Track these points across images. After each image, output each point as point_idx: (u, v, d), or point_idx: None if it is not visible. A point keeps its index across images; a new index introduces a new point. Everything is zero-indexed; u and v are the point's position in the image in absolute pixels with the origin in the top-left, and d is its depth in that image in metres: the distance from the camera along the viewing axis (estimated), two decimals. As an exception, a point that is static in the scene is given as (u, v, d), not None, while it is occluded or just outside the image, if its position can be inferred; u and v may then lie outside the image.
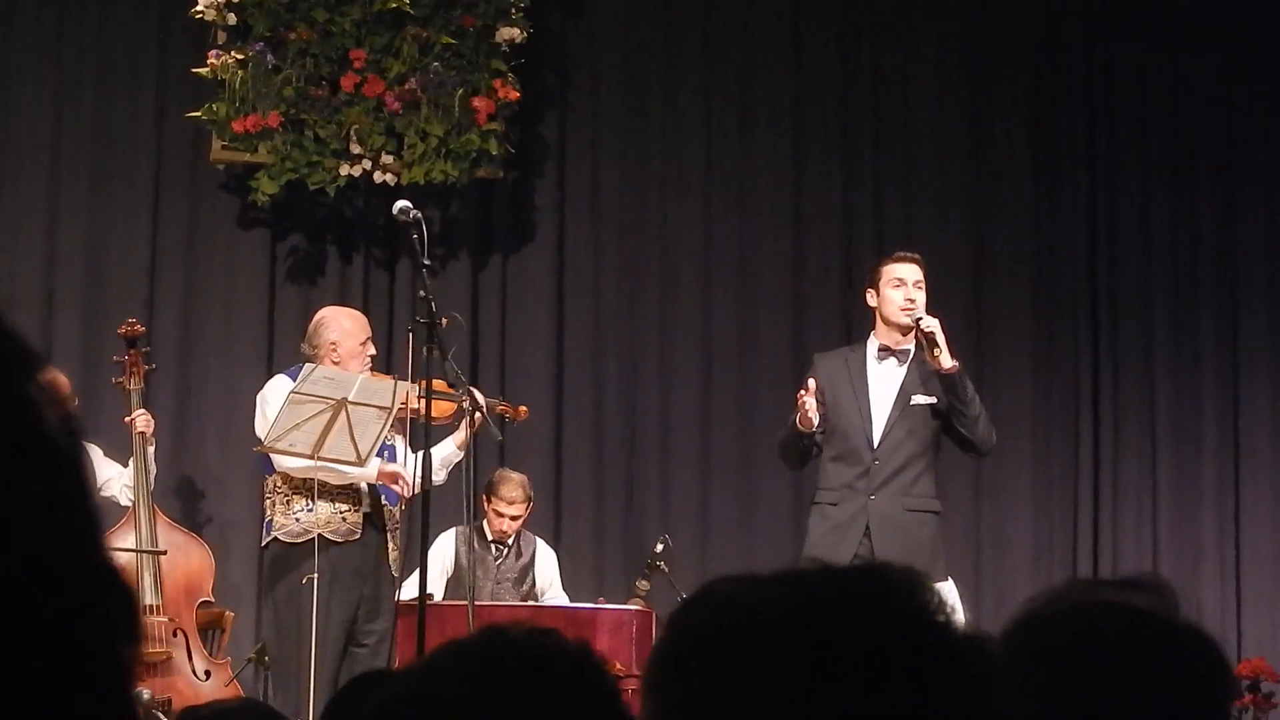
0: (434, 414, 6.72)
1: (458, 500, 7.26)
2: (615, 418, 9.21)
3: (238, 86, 8.66)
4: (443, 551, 7.88)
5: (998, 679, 1.32)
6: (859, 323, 8.01)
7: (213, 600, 7.93)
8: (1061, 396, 9.29)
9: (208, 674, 7.68)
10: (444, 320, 6.58)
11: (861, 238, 9.30)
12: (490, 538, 8.02)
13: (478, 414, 7.14)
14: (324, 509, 7.13)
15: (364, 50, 8.74)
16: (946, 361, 6.87)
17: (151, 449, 7.82)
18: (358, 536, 7.21)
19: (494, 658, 1.65)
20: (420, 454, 6.72)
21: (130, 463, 7.73)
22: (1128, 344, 9.30)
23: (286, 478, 7.19)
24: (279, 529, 7.19)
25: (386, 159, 8.77)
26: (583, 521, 9.11)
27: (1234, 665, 4.33)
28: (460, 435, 7.32)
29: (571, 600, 8.01)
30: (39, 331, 8.69)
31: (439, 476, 7.16)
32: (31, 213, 9.00)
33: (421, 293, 6.56)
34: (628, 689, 5.21)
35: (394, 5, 8.67)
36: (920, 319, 6.90)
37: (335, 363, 7.26)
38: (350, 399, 6.91)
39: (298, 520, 7.16)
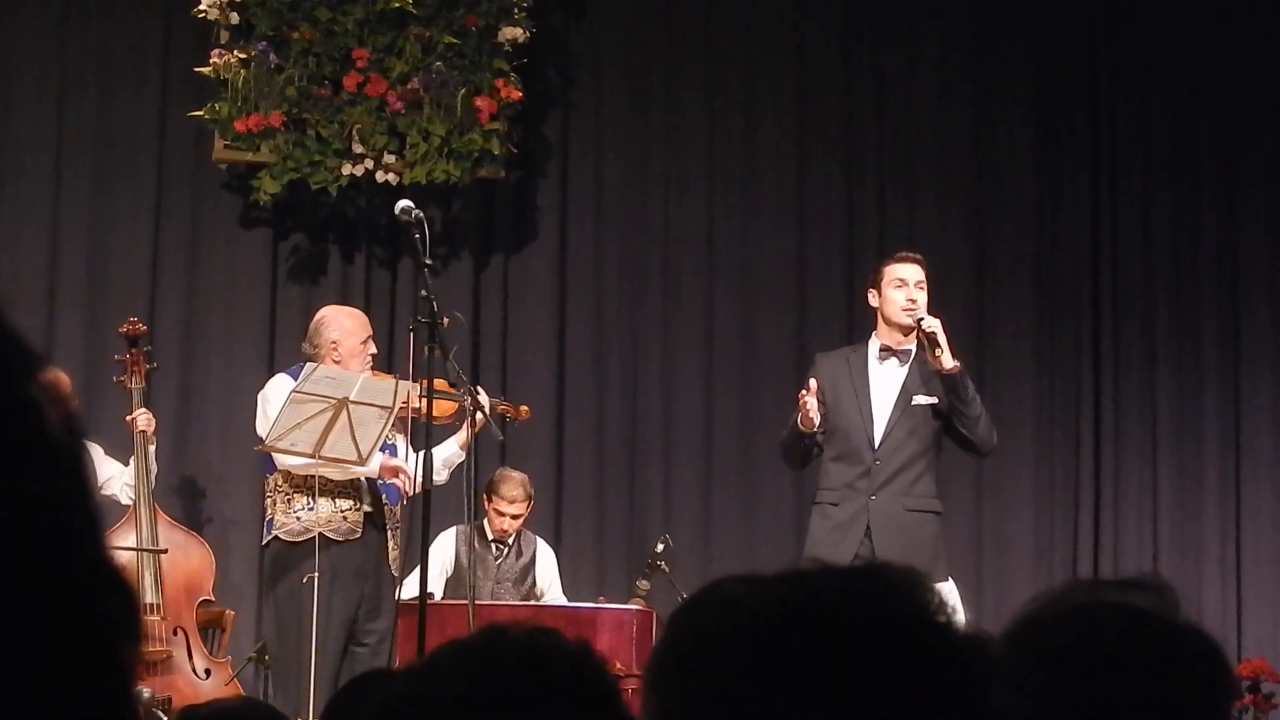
0: (435, 413, 6.72)
1: (458, 499, 7.26)
2: (616, 417, 9.21)
3: (240, 86, 8.66)
4: (443, 550, 7.87)
5: (998, 679, 1.32)
6: (861, 323, 8.01)
7: (213, 599, 7.94)
8: (1063, 396, 9.29)
9: (208, 673, 7.68)
10: (445, 320, 6.58)
11: (863, 238, 9.30)
12: (491, 537, 8.02)
13: (479, 414, 7.15)
14: (325, 507, 7.13)
15: (366, 50, 8.74)
16: (948, 362, 6.87)
17: (152, 448, 7.82)
18: (358, 535, 7.21)
19: (494, 657, 1.65)
20: (421, 453, 6.72)
21: (131, 461, 7.73)
22: (1129, 344, 9.30)
23: (287, 476, 7.19)
24: (280, 527, 7.19)
25: (389, 158, 8.77)
26: (584, 521, 9.11)
27: (1234, 665, 4.34)
28: (462, 435, 7.32)
29: (572, 600, 8.01)
30: (41, 330, 8.69)
31: (440, 476, 7.16)
32: (33, 211, 9.00)
33: (423, 292, 6.56)
34: (628, 689, 5.21)
35: (396, 5, 8.67)
36: (922, 319, 6.90)
37: (336, 362, 7.26)
38: (351, 398, 6.91)
39: (298, 519, 7.16)
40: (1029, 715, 1.34)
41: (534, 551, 8.14)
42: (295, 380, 7.09)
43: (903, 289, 6.97)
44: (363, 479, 7.23)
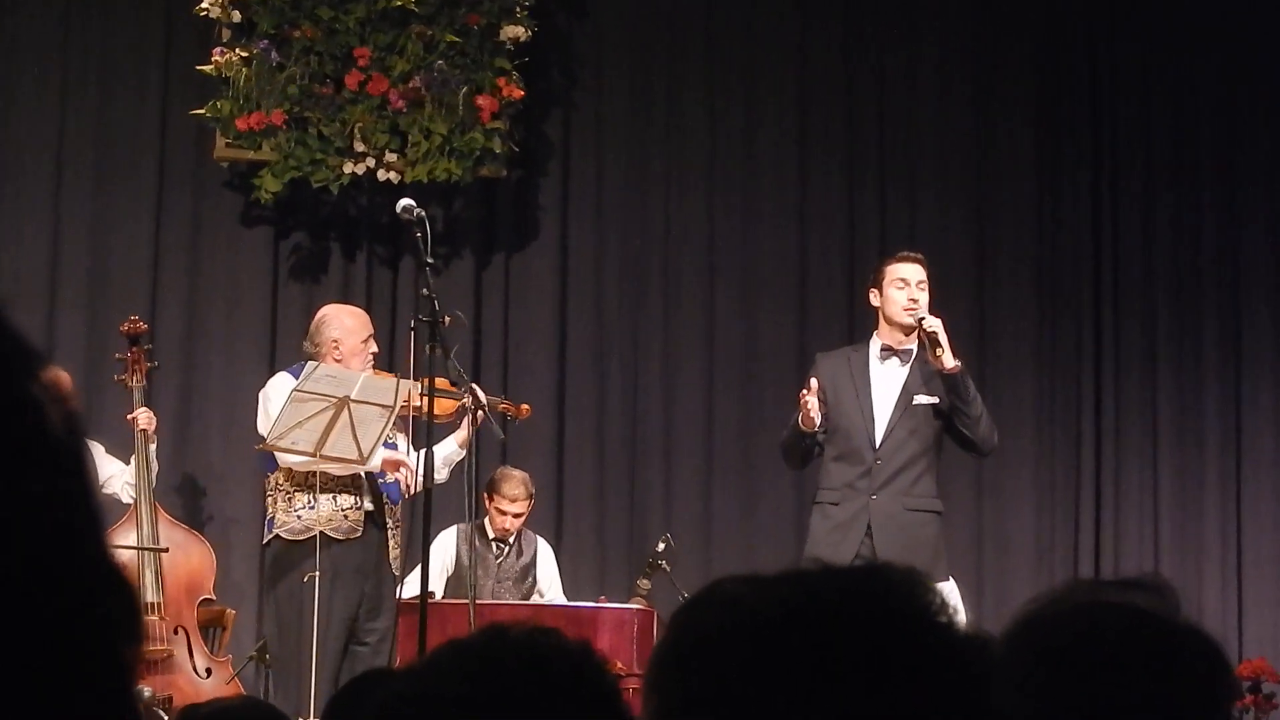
0: (436, 412, 6.72)
1: (459, 499, 7.26)
2: (617, 416, 9.21)
3: (242, 84, 8.66)
4: (443, 549, 7.87)
5: (999, 679, 1.32)
6: (861, 322, 8.01)
7: (214, 598, 7.94)
8: (1063, 396, 9.30)
9: (209, 672, 7.68)
10: (446, 318, 6.58)
11: (864, 238, 9.30)
12: (492, 536, 8.02)
13: (480, 412, 7.15)
14: (326, 506, 7.13)
15: (368, 48, 8.74)
16: (949, 361, 6.87)
17: (153, 446, 7.82)
18: (359, 534, 7.21)
19: (495, 657, 1.65)
20: (422, 452, 6.72)
21: (132, 460, 7.73)
22: (1130, 344, 9.30)
23: (289, 475, 7.18)
24: (280, 526, 7.19)
25: (390, 157, 8.77)
26: (584, 520, 9.11)
27: (1235, 666, 4.34)
28: (462, 434, 7.32)
29: (572, 599, 8.01)
30: (42, 328, 8.68)
31: (441, 475, 7.16)
32: (35, 210, 9.01)
33: (424, 291, 6.56)
34: (629, 688, 5.21)
35: (399, 3, 8.67)
36: (923, 319, 6.90)
37: (337, 360, 7.26)
38: (352, 397, 6.91)
39: (299, 517, 7.16)
40: (1029, 715, 1.34)
41: (535, 551, 8.14)
42: (296, 379, 7.09)
43: (904, 289, 6.97)
44: (364, 477, 7.23)
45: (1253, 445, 9.19)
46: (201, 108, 8.75)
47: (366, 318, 7.66)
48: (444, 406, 7.06)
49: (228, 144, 8.81)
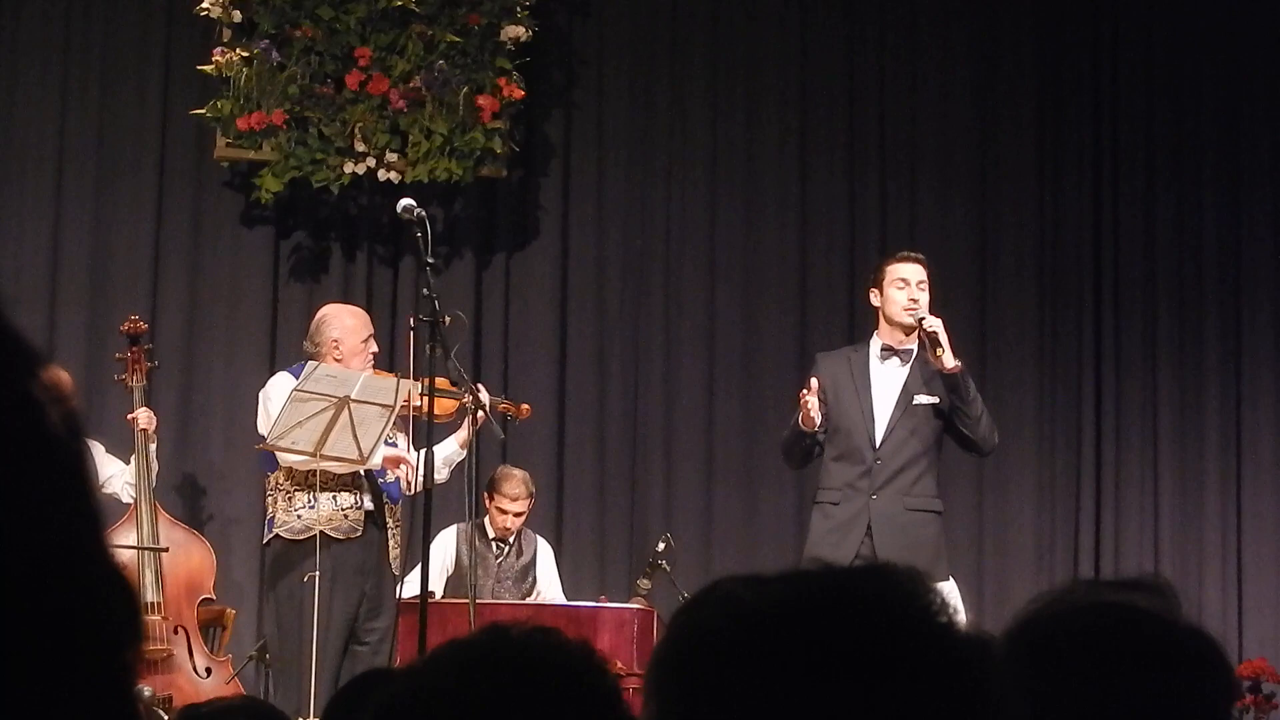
0: (436, 412, 6.71)
1: (459, 498, 7.26)
2: (618, 416, 9.21)
3: (242, 84, 8.66)
4: (443, 548, 7.87)
5: (999, 679, 1.32)
6: (862, 322, 8.02)
7: (214, 598, 7.94)
8: (1064, 396, 9.30)
9: (209, 671, 7.68)
10: (447, 318, 6.57)
11: (865, 237, 9.30)
12: (492, 535, 8.02)
13: (480, 412, 7.15)
14: (326, 506, 7.13)
15: (369, 48, 8.74)
16: (949, 361, 6.87)
17: (153, 446, 7.82)
18: (359, 534, 7.21)
19: (495, 657, 1.65)
20: (423, 452, 6.72)
21: (132, 460, 7.73)
22: (1131, 343, 9.30)
23: (289, 474, 7.19)
24: (280, 525, 7.19)
25: (391, 157, 8.77)
26: (585, 520, 9.11)
27: (1235, 666, 4.34)
28: (462, 433, 7.32)
29: (573, 599, 8.01)
30: (42, 328, 8.68)
31: (441, 475, 7.16)
32: (36, 209, 9.01)
33: (425, 291, 6.56)
34: (629, 688, 5.21)
35: (399, 3, 8.67)
36: (923, 319, 6.90)
37: (337, 360, 7.26)
38: (353, 397, 6.91)
39: (299, 517, 7.16)
40: (1029, 715, 1.34)
41: (534, 551, 8.14)
42: (296, 378, 7.09)
43: (904, 289, 6.97)
44: (364, 476, 7.23)
45: (1253, 445, 9.19)
46: (202, 107, 8.75)
47: (367, 317, 7.66)
48: (444, 406, 7.06)
49: (228, 144, 8.81)
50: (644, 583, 7.64)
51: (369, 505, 7.25)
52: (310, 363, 7.19)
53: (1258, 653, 8.68)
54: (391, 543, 7.32)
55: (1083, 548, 9.19)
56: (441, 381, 6.84)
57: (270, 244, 9.14)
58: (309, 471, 7.07)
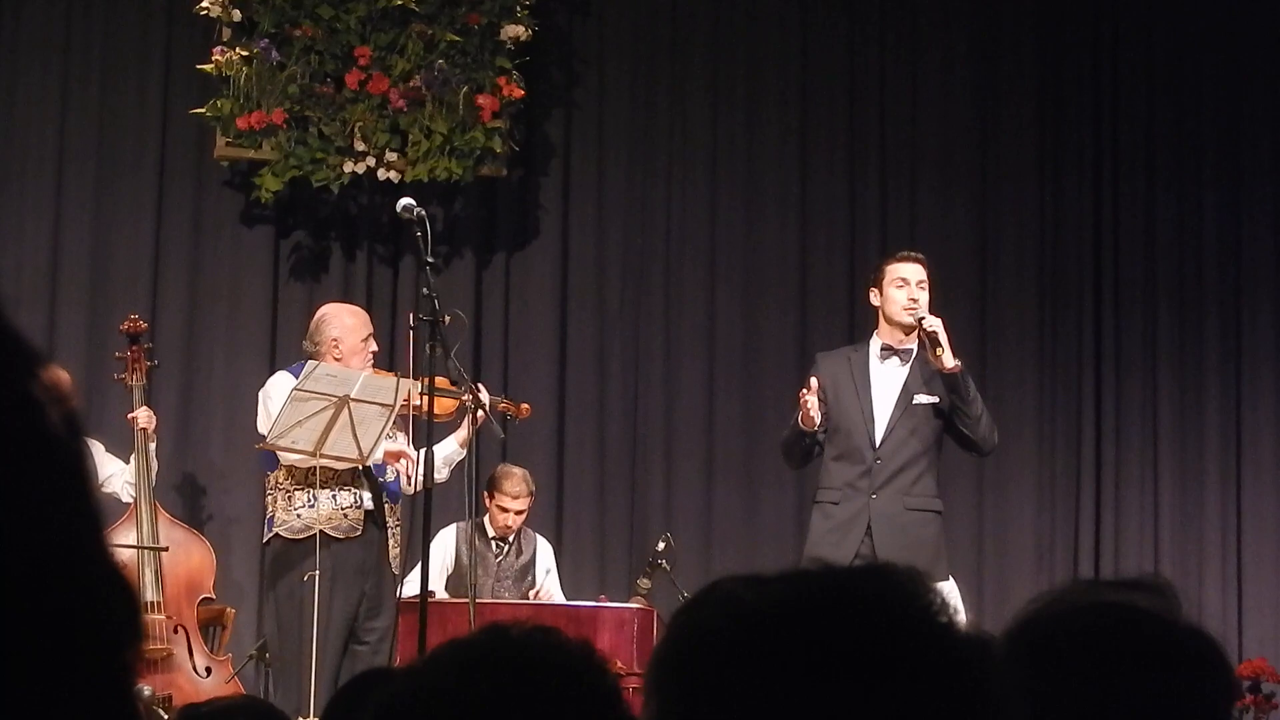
0: (436, 411, 6.71)
1: (459, 498, 7.26)
2: (618, 415, 9.21)
3: (242, 83, 8.66)
4: (443, 547, 7.87)
5: (999, 679, 1.32)
6: (862, 322, 8.02)
7: (214, 597, 7.94)
8: (1064, 395, 9.30)
9: (209, 671, 7.68)
10: (447, 318, 6.57)
11: (865, 237, 9.30)
12: (491, 535, 8.02)
13: (480, 411, 7.15)
14: (326, 505, 7.13)
15: (369, 47, 8.74)
16: (949, 361, 6.87)
17: (153, 445, 7.82)
18: (359, 533, 7.21)
19: (495, 656, 1.65)
20: (423, 451, 6.72)
21: (132, 459, 7.73)
22: (1131, 343, 9.30)
23: (289, 473, 7.19)
24: (280, 525, 7.19)
25: (391, 156, 8.77)
26: (585, 519, 9.11)
27: (1235, 666, 4.34)
28: (462, 433, 7.32)
29: (573, 598, 8.01)
30: (42, 327, 8.69)
31: (441, 475, 7.16)
32: (36, 208, 9.01)
33: (425, 290, 6.55)
34: (629, 688, 5.21)
35: (399, 2, 8.67)
36: (923, 319, 6.90)
37: (337, 359, 7.26)
38: (352, 396, 6.91)
39: (299, 516, 7.16)
40: (1029, 715, 1.34)
41: (534, 550, 8.14)
42: (296, 378, 7.09)
43: (904, 288, 6.97)
44: (364, 475, 7.23)
45: (1253, 445, 9.19)
46: (202, 107, 8.75)
47: (366, 316, 7.67)
48: (444, 406, 7.06)
49: (228, 143, 8.80)
50: (644, 582, 7.64)
51: (369, 504, 7.25)
52: (310, 362, 7.18)
53: (1258, 653, 8.68)
54: (391, 542, 7.32)
55: (1083, 548, 9.19)
56: (441, 381, 6.83)
57: (270, 243, 9.14)
58: (309, 470, 7.07)
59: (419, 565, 6.65)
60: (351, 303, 8.17)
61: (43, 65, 9.09)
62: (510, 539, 8.05)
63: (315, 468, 7.01)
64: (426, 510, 6.56)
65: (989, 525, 9.18)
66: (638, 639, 7.05)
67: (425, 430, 6.73)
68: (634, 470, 9.20)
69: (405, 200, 6.86)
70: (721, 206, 9.33)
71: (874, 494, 6.89)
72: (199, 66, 8.76)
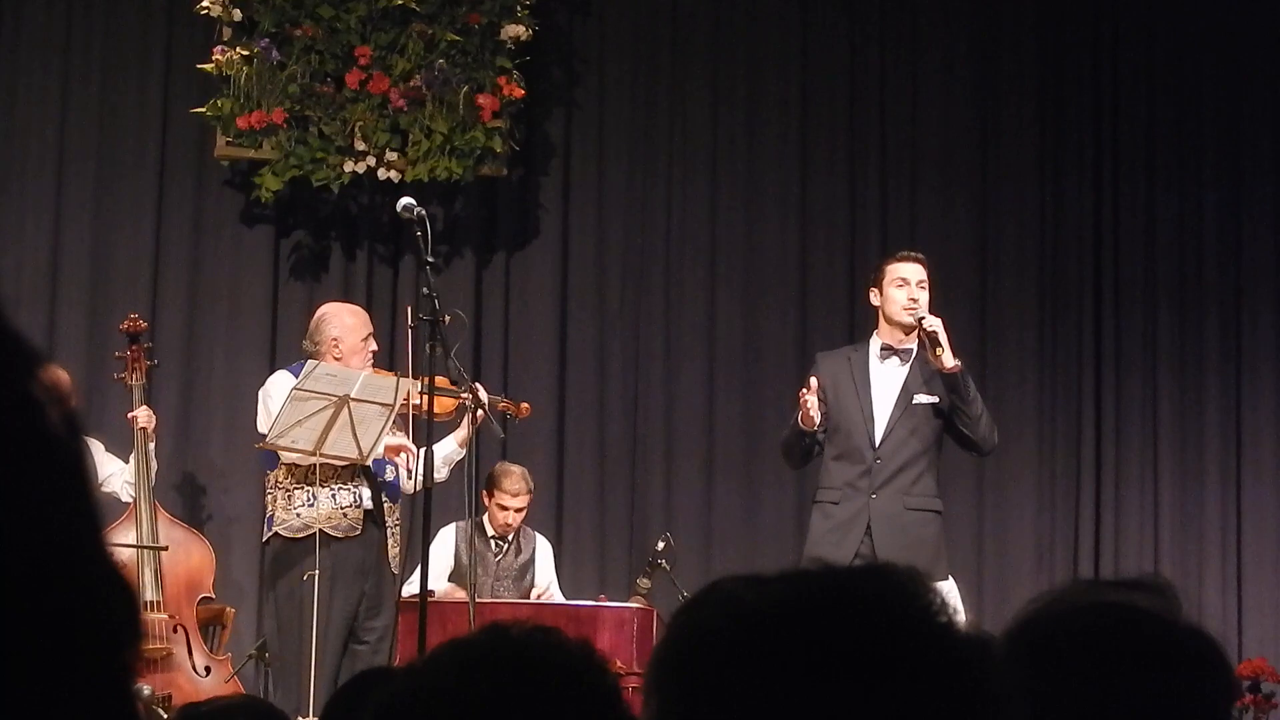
0: (436, 411, 6.71)
1: (459, 497, 7.26)
2: (618, 415, 9.21)
3: (243, 83, 8.66)
4: (443, 546, 7.87)
5: (999, 679, 1.32)
6: (862, 322, 8.02)
7: (213, 596, 7.94)
8: (1064, 395, 9.29)
9: (208, 670, 7.68)
10: (447, 317, 6.57)
11: (865, 237, 9.30)
12: (491, 534, 8.02)
13: (480, 411, 7.15)
14: (325, 504, 7.13)
15: (369, 47, 8.75)
16: (949, 361, 6.87)
17: (153, 445, 7.82)
18: (359, 532, 7.21)
19: (495, 656, 1.65)
20: (423, 451, 6.72)
21: (131, 458, 7.73)
22: (1131, 343, 9.30)
23: (289, 472, 7.19)
24: (280, 524, 7.19)
25: (391, 156, 8.77)
26: (585, 519, 9.11)
27: (1235, 666, 4.34)
28: (462, 432, 7.32)
29: (572, 598, 8.01)
30: (42, 327, 8.69)
31: (441, 474, 7.16)
32: (36, 207, 9.01)
33: (425, 290, 6.55)
34: (629, 687, 5.21)
35: (400, 2, 8.67)
36: (923, 318, 6.90)
37: (337, 359, 7.26)
38: (352, 395, 6.91)
39: (298, 515, 7.16)
40: (1029, 715, 1.33)
41: (534, 549, 8.14)
42: (296, 377, 7.09)
43: (904, 288, 6.97)
44: (364, 474, 7.23)
45: (1253, 445, 9.19)
46: (202, 106, 8.75)
47: (366, 316, 7.67)
48: (444, 405, 7.06)
49: (228, 142, 8.81)
50: (644, 582, 7.64)
51: (368, 504, 7.25)
52: (310, 361, 7.19)
53: (1258, 653, 8.68)
54: (391, 541, 7.32)
55: (1083, 548, 9.19)
56: (441, 380, 6.83)
57: (270, 243, 9.14)
58: (309, 468, 7.07)
59: (419, 565, 6.65)
60: (351, 302, 8.17)
61: (43, 65, 9.09)
62: (509, 538, 8.04)
63: (315, 466, 7.01)
64: (426, 510, 6.56)
65: (989, 525, 9.18)
66: (638, 639, 7.05)
67: (425, 429, 6.73)
68: (634, 470, 9.20)
69: (405, 200, 6.86)
70: (721, 206, 9.33)
71: (874, 494, 6.89)
72: (199, 66, 8.76)
